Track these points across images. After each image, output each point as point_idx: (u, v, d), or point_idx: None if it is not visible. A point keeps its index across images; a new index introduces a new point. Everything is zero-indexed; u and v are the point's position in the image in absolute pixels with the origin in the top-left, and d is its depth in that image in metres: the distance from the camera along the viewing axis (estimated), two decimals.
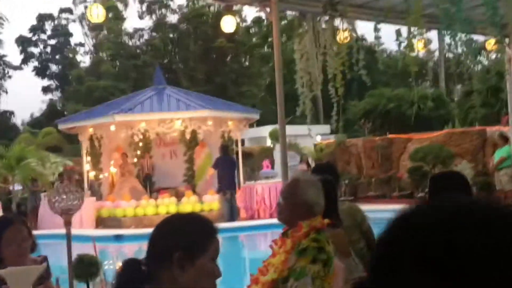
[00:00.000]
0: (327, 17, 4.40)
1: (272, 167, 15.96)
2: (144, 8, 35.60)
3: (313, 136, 17.50)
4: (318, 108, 31.55)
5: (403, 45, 4.71)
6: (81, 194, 2.25)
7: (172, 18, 35.51)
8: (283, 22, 25.78)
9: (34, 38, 37.56)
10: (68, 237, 2.21)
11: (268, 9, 4.61)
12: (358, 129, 22.16)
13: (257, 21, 34.71)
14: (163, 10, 35.33)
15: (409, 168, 16.01)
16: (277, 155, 18.12)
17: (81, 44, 38.87)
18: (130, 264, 1.62)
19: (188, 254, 1.61)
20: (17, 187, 15.65)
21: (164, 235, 1.67)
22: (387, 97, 22.88)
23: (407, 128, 19.85)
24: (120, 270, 1.63)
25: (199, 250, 1.63)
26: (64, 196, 2.12)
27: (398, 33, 4.72)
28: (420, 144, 16.33)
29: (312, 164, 16.47)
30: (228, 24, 5.67)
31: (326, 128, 25.40)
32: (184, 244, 1.62)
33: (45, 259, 2.81)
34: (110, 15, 31.75)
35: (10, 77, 36.40)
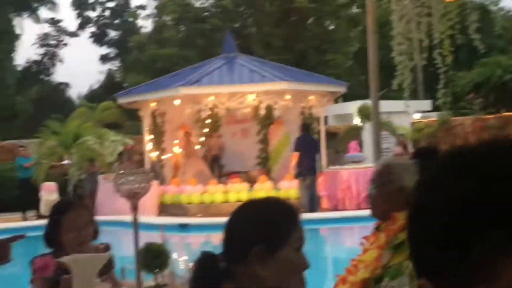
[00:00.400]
0: None
1: (361, 150, 15.78)
2: None
3: (410, 114, 17.09)
4: (416, 81, 30.77)
5: None
6: (149, 176, 2.35)
7: None
8: None
9: (91, 1, 38.91)
10: (135, 224, 2.32)
11: None
12: (466, 106, 21.42)
13: None
14: None
15: None
16: (366, 135, 17.89)
17: (143, 7, 39.87)
18: (205, 261, 1.67)
19: (268, 246, 1.64)
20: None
21: (239, 226, 1.71)
22: (503, 67, 21.92)
23: None
24: (195, 267, 1.68)
25: (280, 240, 1.66)
26: (132, 178, 2.23)
27: None
28: None
29: (410, 147, 16.15)
30: None
31: (426, 104, 24.76)
32: (262, 235, 1.65)
33: (108, 247, 2.97)
34: None
35: (65, 45, 38.01)
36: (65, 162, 15.51)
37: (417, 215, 0.73)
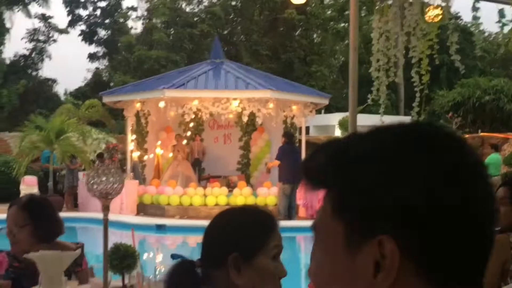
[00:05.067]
0: None
1: None
2: None
3: None
4: (399, 97, 31.02)
5: (506, 28, 4.53)
6: (122, 178, 2.32)
7: None
8: None
9: None
10: (105, 225, 2.30)
11: None
12: (445, 124, 21.60)
13: None
14: None
15: (503, 174, 15.51)
16: None
17: (134, 8, 39.69)
18: (183, 266, 1.66)
19: (244, 254, 1.64)
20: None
21: (217, 233, 1.71)
22: (482, 88, 22.15)
23: (504, 126, 19.19)
24: (173, 271, 1.67)
25: (256, 249, 1.66)
26: (104, 178, 2.20)
27: (501, 13, 4.54)
28: None
29: None
30: None
31: (406, 120, 24.98)
32: (239, 243, 1.65)
33: (80, 247, 2.94)
34: None
35: (55, 41, 37.71)
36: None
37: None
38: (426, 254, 0.67)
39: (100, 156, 15.27)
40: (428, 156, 0.69)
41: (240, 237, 1.66)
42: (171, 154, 15.91)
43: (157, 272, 2.26)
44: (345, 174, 0.71)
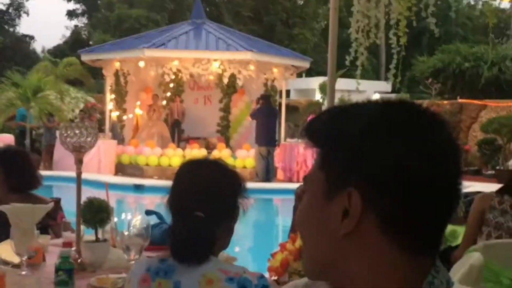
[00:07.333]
0: None
1: None
2: None
3: (361, 92, 17.17)
4: (380, 62, 31.04)
5: None
6: (96, 131, 2.32)
7: None
8: None
9: None
10: (79, 179, 2.30)
11: None
12: (425, 90, 21.72)
13: None
14: None
15: (479, 141, 15.73)
16: None
17: None
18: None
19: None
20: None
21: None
22: (463, 55, 22.22)
23: (482, 94, 19.38)
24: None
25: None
26: (77, 131, 2.20)
27: None
28: (496, 114, 15.96)
29: None
30: None
31: (387, 86, 25.05)
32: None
33: (55, 201, 2.96)
34: None
35: None
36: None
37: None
38: (388, 212, 0.79)
39: (82, 112, 15.12)
40: (405, 134, 0.80)
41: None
42: (140, 112, 15.83)
43: (131, 227, 2.28)
44: (336, 136, 0.83)
